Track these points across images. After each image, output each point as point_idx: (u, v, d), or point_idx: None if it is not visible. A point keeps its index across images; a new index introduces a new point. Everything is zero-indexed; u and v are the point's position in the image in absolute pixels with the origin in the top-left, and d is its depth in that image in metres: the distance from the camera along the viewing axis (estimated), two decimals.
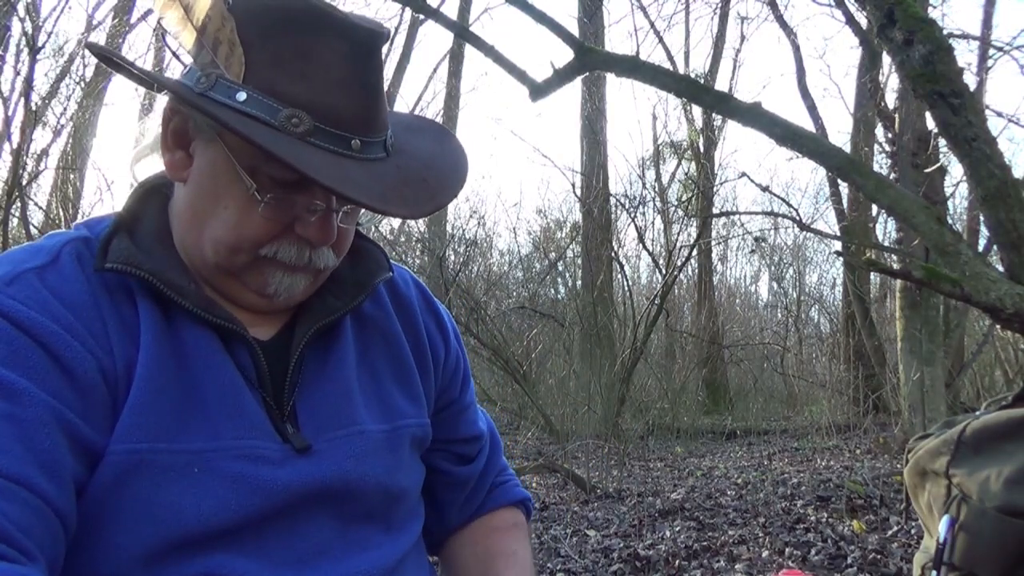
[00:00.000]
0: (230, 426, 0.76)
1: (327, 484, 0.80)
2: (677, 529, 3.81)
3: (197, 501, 0.72)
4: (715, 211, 10.90)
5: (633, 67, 3.16)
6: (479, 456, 1.04)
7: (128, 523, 0.70)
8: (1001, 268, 2.43)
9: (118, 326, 0.74)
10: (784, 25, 8.60)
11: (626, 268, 10.54)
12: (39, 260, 0.74)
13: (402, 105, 13.17)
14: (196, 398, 0.75)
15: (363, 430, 0.84)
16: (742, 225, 11.66)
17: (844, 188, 8.41)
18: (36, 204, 7.19)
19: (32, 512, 0.63)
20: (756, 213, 11.25)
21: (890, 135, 6.04)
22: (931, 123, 4.98)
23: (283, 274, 0.79)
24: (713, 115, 10.13)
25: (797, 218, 5.63)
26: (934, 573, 1.37)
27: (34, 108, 7.51)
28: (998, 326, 2.62)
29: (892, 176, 5.57)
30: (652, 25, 10.51)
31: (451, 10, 13.61)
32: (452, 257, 8.83)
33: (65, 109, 8.90)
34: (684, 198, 11.65)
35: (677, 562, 3.22)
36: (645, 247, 9.99)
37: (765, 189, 5.80)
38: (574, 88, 11.35)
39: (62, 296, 0.72)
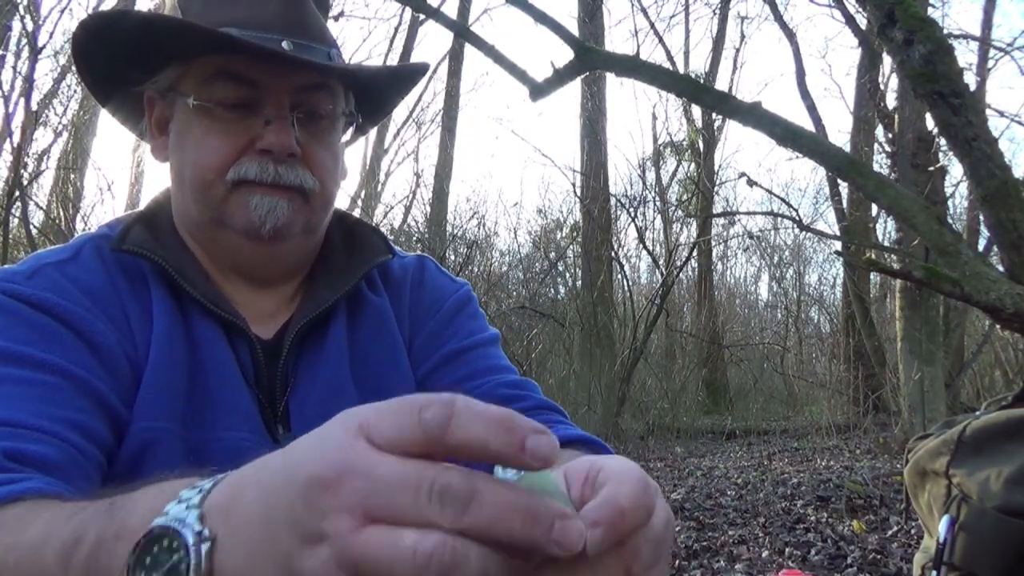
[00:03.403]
0: (223, 419, 0.77)
1: None
2: (677, 529, 3.82)
3: None
4: (715, 211, 10.92)
5: (633, 67, 3.16)
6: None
7: None
8: (1001, 268, 2.43)
9: (137, 311, 0.78)
10: (784, 25, 8.61)
11: (626, 268, 10.56)
12: (60, 256, 0.79)
13: (402, 105, 13.15)
14: (200, 387, 0.77)
15: None
16: (742, 224, 11.67)
17: (844, 188, 8.42)
18: (37, 204, 7.18)
19: (47, 446, 0.63)
20: (756, 213, 11.26)
21: (890, 135, 6.05)
22: (931, 123, 4.99)
23: (259, 196, 0.79)
24: (713, 115, 10.14)
25: (797, 218, 5.63)
26: (934, 573, 1.37)
27: (35, 108, 7.51)
28: (998, 326, 2.62)
29: (892, 176, 5.58)
30: (652, 26, 10.56)
31: (451, 10, 13.59)
32: (452, 257, 8.83)
33: (66, 109, 8.91)
34: (684, 198, 11.66)
35: (677, 562, 3.22)
36: (645, 247, 10.00)
37: (754, 185, 5.76)
38: (574, 88, 11.34)
39: (82, 285, 0.76)
